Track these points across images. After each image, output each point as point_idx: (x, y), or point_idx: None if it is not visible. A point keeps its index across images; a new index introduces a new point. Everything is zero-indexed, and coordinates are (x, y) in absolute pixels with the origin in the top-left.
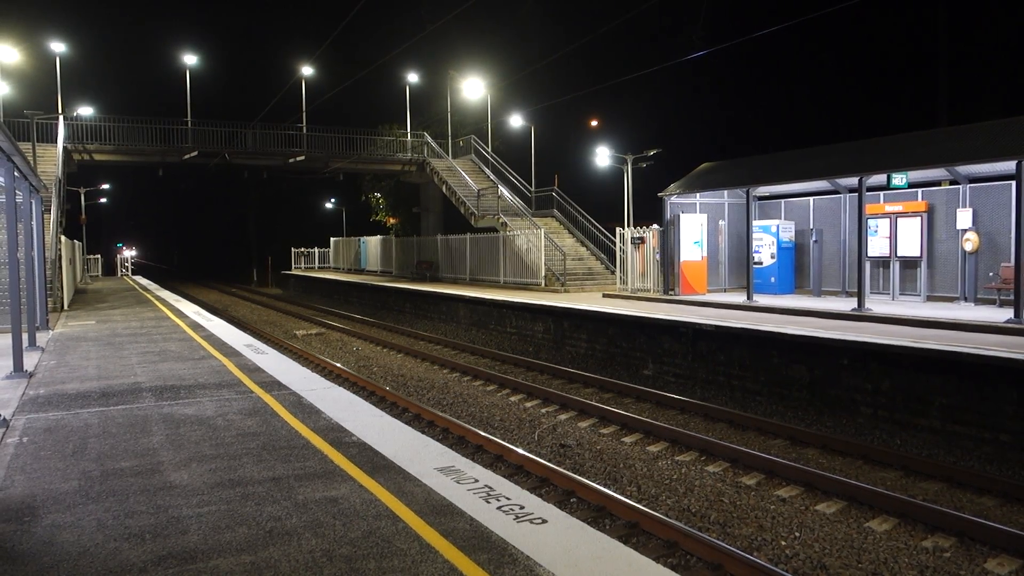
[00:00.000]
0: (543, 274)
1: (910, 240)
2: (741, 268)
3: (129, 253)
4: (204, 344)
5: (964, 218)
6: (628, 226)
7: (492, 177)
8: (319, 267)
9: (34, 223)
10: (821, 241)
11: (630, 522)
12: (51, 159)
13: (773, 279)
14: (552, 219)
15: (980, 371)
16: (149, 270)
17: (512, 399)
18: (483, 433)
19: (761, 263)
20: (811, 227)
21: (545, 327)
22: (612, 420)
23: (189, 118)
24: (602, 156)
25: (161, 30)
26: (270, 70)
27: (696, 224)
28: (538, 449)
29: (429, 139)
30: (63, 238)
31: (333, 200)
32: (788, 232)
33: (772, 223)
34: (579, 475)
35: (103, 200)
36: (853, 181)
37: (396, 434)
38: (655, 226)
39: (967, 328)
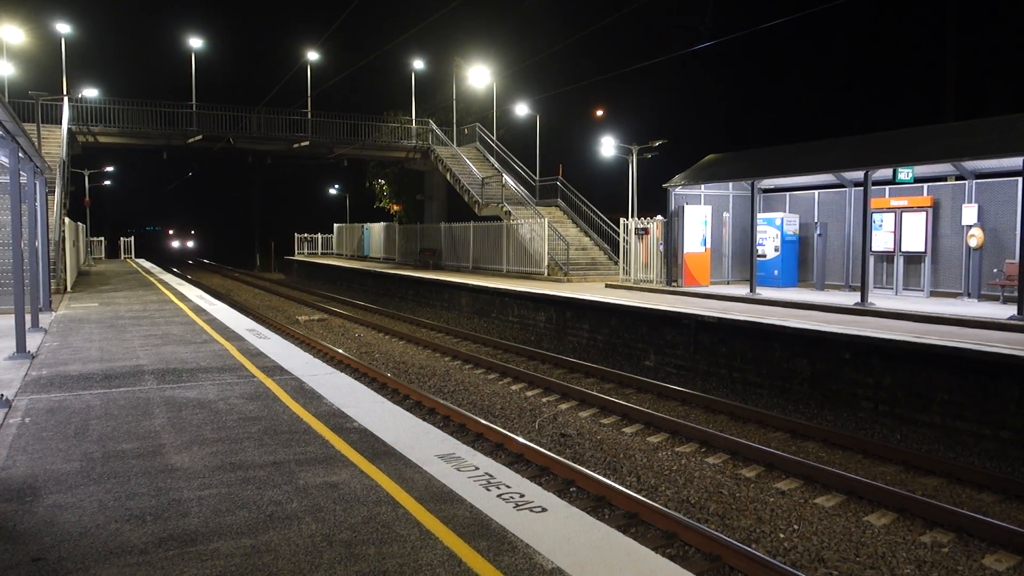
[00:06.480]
0: (546, 263)
1: (915, 235)
2: (744, 260)
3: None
4: (207, 328)
5: (969, 214)
6: (632, 217)
7: (496, 166)
8: (322, 253)
9: (38, 204)
10: (825, 235)
11: (629, 512)
12: (55, 140)
13: (776, 272)
14: (556, 208)
15: (982, 367)
16: (163, 257)
17: (513, 388)
18: (484, 421)
19: (765, 256)
20: (815, 220)
21: (547, 316)
22: (613, 410)
23: (194, 102)
24: (607, 146)
25: (167, 13)
26: (275, 55)
27: (700, 216)
28: (539, 438)
29: (434, 126)
30: (67, 220)
31: (337, 186)
32: (792, 225)
33: (776, 216)
34: (579, 465)
35: (107, 182)
36: (859, 175)
37: (397, 421)
38: (659, 217)
39: (970, 324)
